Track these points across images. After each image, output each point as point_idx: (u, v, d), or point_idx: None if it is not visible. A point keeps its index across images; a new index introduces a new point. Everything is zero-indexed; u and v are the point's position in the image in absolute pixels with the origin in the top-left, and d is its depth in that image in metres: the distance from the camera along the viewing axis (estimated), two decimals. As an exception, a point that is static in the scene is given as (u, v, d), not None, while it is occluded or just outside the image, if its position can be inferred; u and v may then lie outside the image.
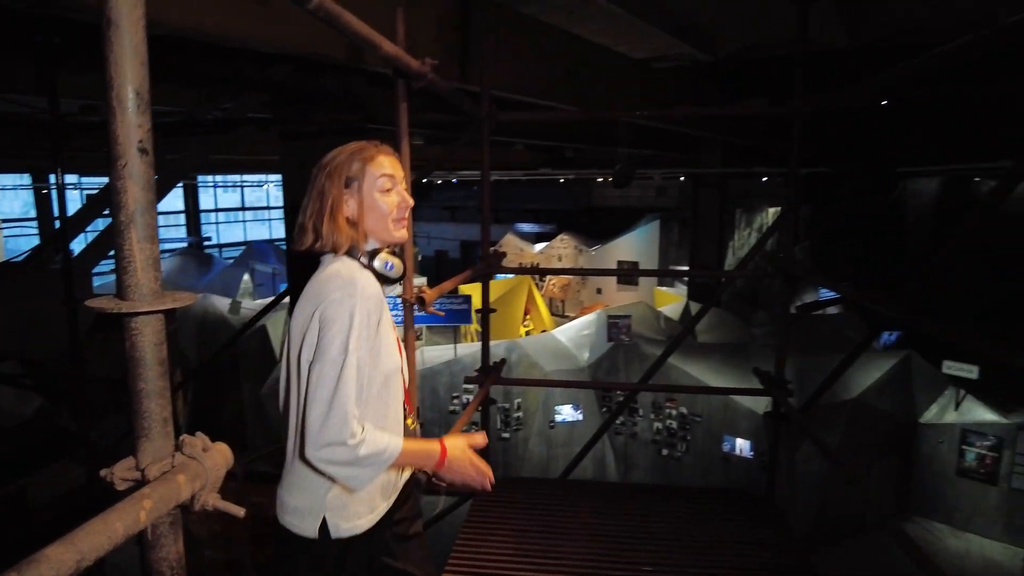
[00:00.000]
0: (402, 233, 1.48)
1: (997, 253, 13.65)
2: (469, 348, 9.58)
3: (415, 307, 2.00)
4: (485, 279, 3.44)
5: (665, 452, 8.60)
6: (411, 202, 1.50)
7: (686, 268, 14.67)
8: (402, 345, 1.55)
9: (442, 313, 9.11)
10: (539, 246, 19.31)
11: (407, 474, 1.59)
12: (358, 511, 1.45)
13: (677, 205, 17.71)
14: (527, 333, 13.42)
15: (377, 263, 1.44)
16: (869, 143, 13.56)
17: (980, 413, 8.80)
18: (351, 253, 1.43)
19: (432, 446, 1.42)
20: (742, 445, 7.97)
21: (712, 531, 2.88)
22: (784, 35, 7.46)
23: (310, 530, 1.42)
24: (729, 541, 2.79)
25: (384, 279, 1.45)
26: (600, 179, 17.70)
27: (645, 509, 3.07)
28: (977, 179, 12.92)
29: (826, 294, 13.71)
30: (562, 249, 18.41)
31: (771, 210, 18.53)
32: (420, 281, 8.06)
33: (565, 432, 8.86)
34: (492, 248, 3.27)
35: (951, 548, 8.63)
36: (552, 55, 5.09)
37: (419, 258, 17.65)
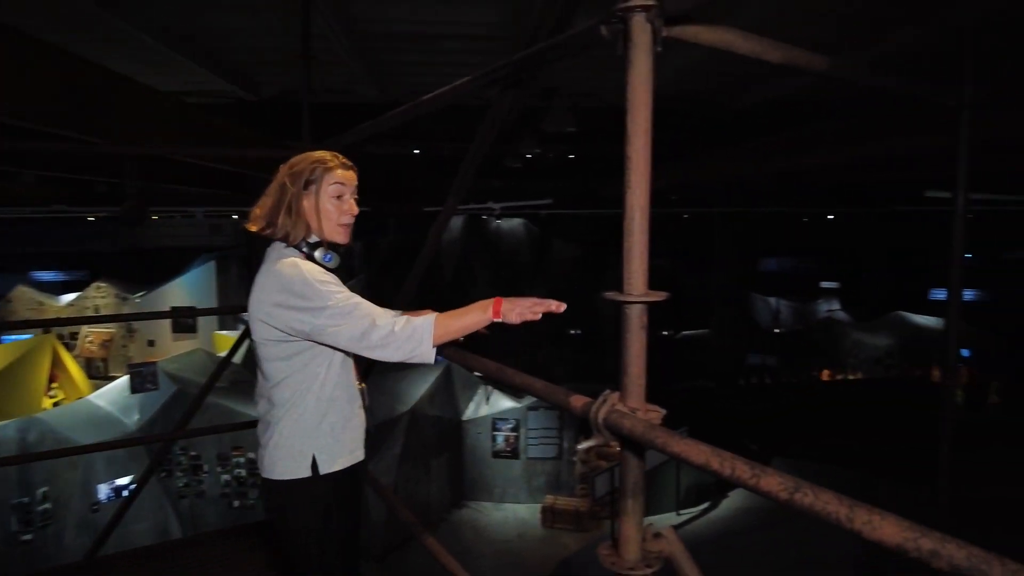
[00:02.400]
0: (342, 236, 1.71)
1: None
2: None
3: None
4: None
5: (237, 503, 8.19)
6: (356, 211, 1.72)
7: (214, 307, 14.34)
8: None
9: None
10: (67, 297, 16.10)
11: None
12: (340, 452, 1.73)
13: (235, 243, 17.09)
14: (56, 404, 11.06)
15: (318, 254, 1.66)
16: (407, 186, 15.63)
17: (504, 403, 10.92)
18: (296, 245, 1.66)
19: (483, 303, 1.54)
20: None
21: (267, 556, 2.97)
22: (323, 84, 8.11)
23: (303, 470, 1.67)
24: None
25: (323, 269, 1.65)
26: (155, 217, 15.94)
27: (201, 558, 2.97)
28: (484, 217, 16.16)
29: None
30: (99, 299, 15.76)
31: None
32: None
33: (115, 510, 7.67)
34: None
35: (495, 519, 10.43)
36: (62, 80, 4.41)
37: None
